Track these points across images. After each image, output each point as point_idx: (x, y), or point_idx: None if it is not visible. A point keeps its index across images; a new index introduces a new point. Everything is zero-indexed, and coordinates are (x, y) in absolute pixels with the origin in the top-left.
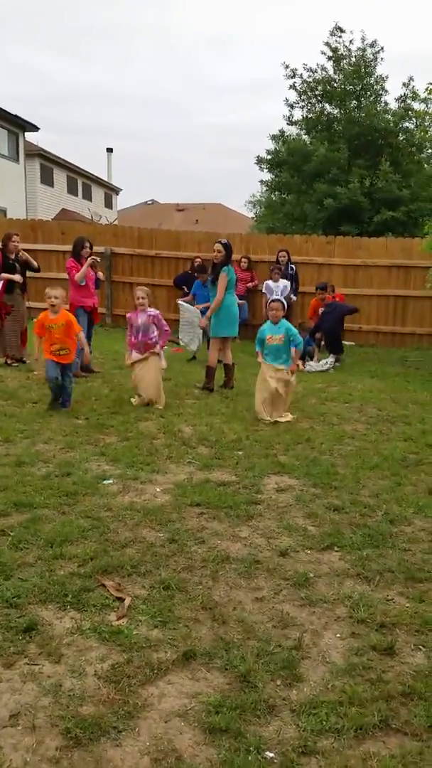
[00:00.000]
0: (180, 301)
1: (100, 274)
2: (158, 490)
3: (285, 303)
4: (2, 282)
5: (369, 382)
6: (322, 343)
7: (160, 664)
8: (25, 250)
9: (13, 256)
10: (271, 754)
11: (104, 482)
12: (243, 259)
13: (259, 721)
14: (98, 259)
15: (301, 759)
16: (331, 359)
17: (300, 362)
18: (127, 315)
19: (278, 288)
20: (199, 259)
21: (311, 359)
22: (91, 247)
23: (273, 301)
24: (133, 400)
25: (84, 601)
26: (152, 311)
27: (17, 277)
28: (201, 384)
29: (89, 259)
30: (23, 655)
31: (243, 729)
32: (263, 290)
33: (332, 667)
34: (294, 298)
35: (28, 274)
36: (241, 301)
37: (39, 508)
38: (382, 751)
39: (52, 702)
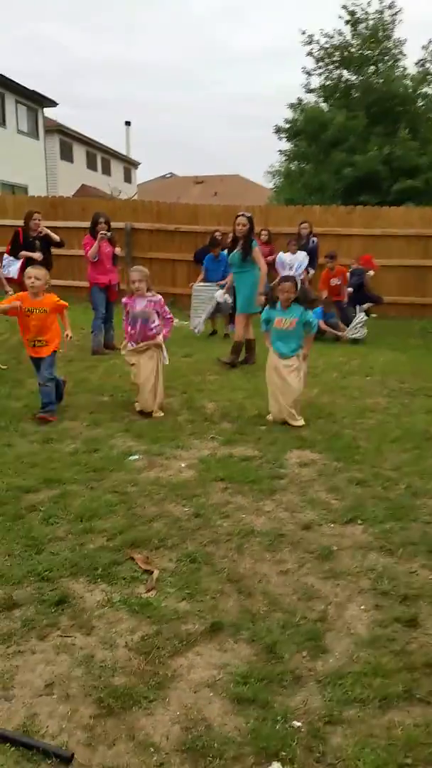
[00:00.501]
0: (196, 286)
1: (118, 250)
2: (183, 465)
3: (298, 282)
4: (21, 260)
5: (390, 354)
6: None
7: (189, 635)
8: (46, 227)
9: (34, 234)
10: (298, 724)
11: (130, 458)
12: (263, 232)
13: (286, 692)
14: (108, 234)
15: (326, 728)
16: (361, 315)
17: (340, 333)
18: (123, 300)
19: (294, 262)
20: (219, 233)
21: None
22: (107, 223)
23: (284, 279)
24: (136, 404)
25: (114, 574)
26: (153, 297)
27: (37, 255)
28: (225, 358)
29: (99, 234)
30: (56, 628)
31: (270, 699)
32: (275, 264)
33: (356, 638)
34: (311, 271)
35: (53, 251)
36: None
37: (68, 484)
38: (406, 720)
39: (85, 672)
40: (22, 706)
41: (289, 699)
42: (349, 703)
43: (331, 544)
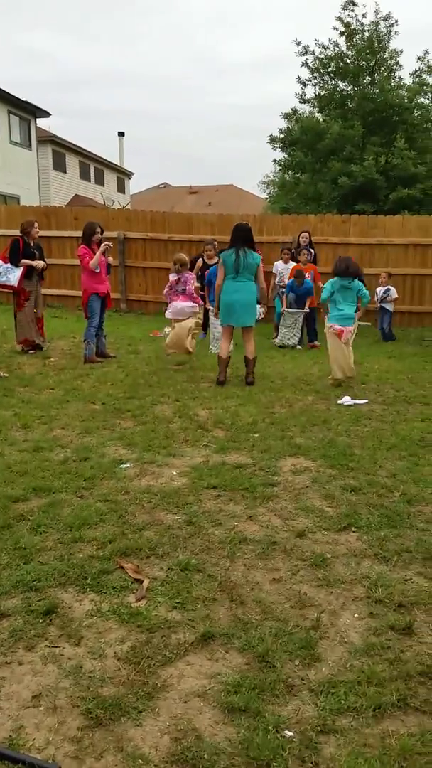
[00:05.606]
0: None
1: (111, 260)
2: (175, 473)
3: None
4: (23, 268)
5: (386, 362)
6: None
7: (179, 645)
8: (39, 236)
9: (33, 243)
10: (290, 733)
11: (121, 466)
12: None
13: (278, 701)
14: (111, 245)
15: (319, 737)
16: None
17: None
18: None
19: (285, 271)
20: (216, 242)
21: None
22: (102, 232)
23: None
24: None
25: (103, 584)
26: None
27: (40, 264)
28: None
29: (102, 245)
30: (44, 638)
31: (262, 708)
32: (273, 270)
33: (350, 647)
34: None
35: (48, 260)
36: None
37: (57, 493)
38: (400, 730)
39: (73, 683)
40: (8, 719)
41: (281, 708)
42: (342, 712)
43: (324, 552)
